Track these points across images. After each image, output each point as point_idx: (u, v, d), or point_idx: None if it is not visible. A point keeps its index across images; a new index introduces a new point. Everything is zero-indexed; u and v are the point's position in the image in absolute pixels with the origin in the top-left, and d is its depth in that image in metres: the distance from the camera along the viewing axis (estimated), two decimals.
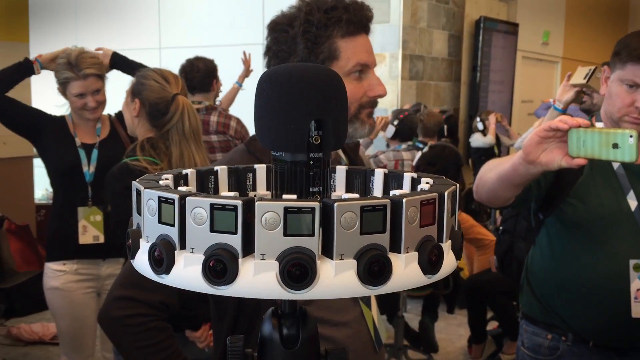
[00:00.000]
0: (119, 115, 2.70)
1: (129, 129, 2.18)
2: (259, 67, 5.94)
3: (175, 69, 3.56)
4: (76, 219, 2.61)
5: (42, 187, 5.45)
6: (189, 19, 6.67)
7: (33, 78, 2.85)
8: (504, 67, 7.38)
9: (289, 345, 0.60)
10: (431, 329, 4.03)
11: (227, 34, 6.36)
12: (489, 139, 5.82)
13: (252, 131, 3.79)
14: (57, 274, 2.63)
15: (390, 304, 3.75)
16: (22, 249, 3.31)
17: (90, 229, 2.63)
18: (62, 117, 2.69)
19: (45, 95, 3.19)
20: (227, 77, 4.65)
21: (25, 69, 2.66)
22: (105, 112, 2.76)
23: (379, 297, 1.42)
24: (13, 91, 2.65)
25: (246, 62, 4.51)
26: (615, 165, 1.71)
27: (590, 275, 1.69)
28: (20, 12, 4.46)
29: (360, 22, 1.27)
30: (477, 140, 5.88)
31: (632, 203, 1.67)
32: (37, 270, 3.14)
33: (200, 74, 3.57)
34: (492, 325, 4.26)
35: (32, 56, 2.74)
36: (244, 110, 4.35)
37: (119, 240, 1.99)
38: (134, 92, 2.06)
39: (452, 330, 4.55)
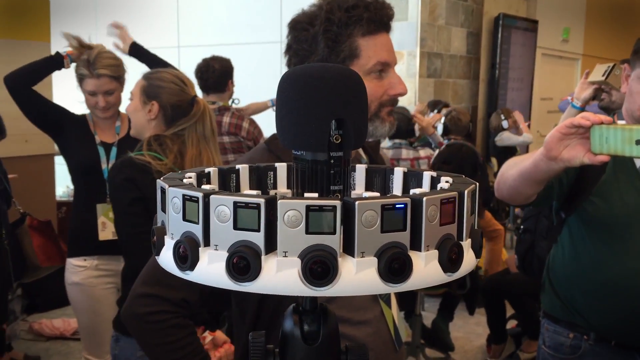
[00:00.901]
0: None
1: (135, 131, 2.14)
2: (276, 65, 5.97)
3: (193, 67, 3.59)
4: (96, 215, 2.64)
5: (63, 184, 5.51)
6: (207, 18, 6.70)
7: (55, 74, 2.89)
8: (523, 65, 7.32)
9: (310, 341, 0.61)
10: (444, 330, 4.00)
11: (245, 33, 6.38)
12: (527, 137, 5.76)
13: (266, 132, 3.79)
14: (78, 270, 2.66)
15: (407, 302, 3.74)
16: (45, 244, 3.36)
17: (109, 225, 2.66)
18: (83, 116, 2.73)
19: (66, 91, 3.23)
20: (244, 75, 4.68)
21: (56, 63, 2.70)
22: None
23: (397, 295, 1.42)
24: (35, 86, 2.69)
25: None
26: (638, 163, 1.69)
27: (611, 274, 1.68)
28: (41, 11, 4.52)
29: (381, 20, 1.27)
30: (508, 138, 5.82)
31: None
32: (59, 265, 3.19)
33: (215, 74, 3.58)
34: (510, 324, 4.24)
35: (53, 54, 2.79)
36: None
37: (118, 234, 2.01)
38: (150, 95, 2.04)
39: (470, 328, 4.53)
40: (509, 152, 5.68)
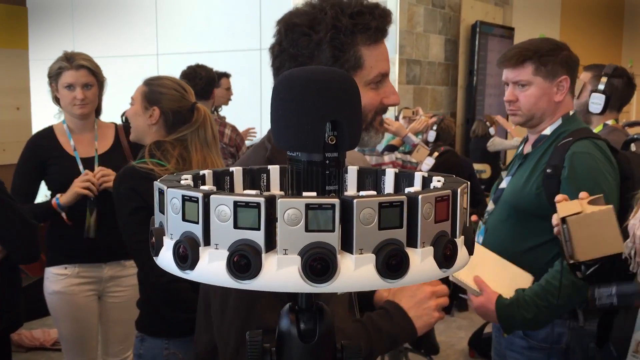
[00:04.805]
0: (126, 125, 2.66)
1: (135, 136, 2.16)
2: (255, 72, 5.93)
3: (173, 75, 3.58)
4: (76, 224, 2.60)
5: (41, 194, 5.44)
6: (186, 26, 6.69)
7: (33, 89, 2.84)
8: (500, 71, 7.39)
9: (307, 339, 0.62)
10: (431, 329, 4.04)
11: (224, 40, 6.38)
12: (516, 141, 5.89)
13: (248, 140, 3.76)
14: (58, 278, 2.63)
15: None
16: None
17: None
18: (66, 152, 2.69)
19: (45, 105, 3.18)
20: None
21: (51, 212, 2.65)
22: (109, 119, 2.78)
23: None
24: (13, 99, 2.65)
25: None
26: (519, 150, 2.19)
27: None
28: (19, 19, 4.48)
29: (385, 29, 1.21)
30: (501, 144, 5.95)
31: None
32: (38, 276, 3.15)
33: (202, 81, 3.60)
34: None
35: (30, 62, 2.75)
36: (238, 118, 4.37)
37: (125, 242, 2.02)
38: (151, 101, 2.08)
39: (452, 332, 4.57)
40: (497, 156, 5.89)
